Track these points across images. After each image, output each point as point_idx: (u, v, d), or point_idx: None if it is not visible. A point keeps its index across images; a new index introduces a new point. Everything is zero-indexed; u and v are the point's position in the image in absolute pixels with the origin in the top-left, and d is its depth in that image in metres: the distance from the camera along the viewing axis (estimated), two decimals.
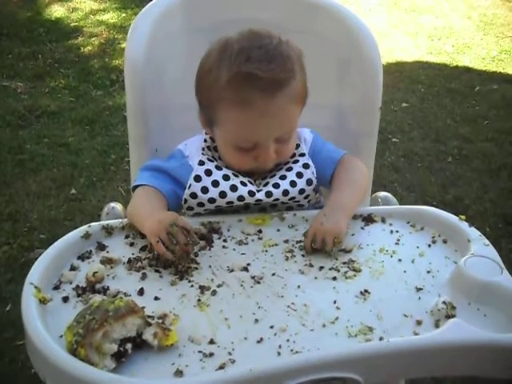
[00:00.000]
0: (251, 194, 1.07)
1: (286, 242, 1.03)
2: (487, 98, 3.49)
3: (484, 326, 0.85)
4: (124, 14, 4.10)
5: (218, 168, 1.09)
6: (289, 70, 1.01)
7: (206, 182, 1.07)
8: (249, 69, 0.98)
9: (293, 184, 1.10)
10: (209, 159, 1.10)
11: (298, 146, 1.14)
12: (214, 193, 1.06)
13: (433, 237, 1.06)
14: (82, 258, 0.96)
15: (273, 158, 1.07)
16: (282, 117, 1.04)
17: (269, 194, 1.08)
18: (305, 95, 1.07)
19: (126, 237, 1.02)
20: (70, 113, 3.07)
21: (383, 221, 1.10)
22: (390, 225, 1.09)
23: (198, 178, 1.07)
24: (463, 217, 1.07)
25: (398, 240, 1.05)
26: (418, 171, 2.81)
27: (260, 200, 1.08)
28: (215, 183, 1.07)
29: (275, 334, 0.83)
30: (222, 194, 1.06)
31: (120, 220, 1.03)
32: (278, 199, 1.08)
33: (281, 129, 1.06)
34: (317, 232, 0.99)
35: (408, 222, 1.09)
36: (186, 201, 1.08)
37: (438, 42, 4.13)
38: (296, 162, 1.12)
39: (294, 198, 1.10)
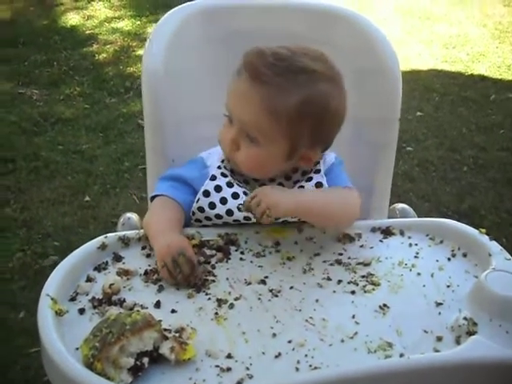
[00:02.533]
0: (248, 218, 1.04)
1: (304, 254, 1.02)
2: (503, 106, 3.45)
3: (506, 344, 0.83)
4: (139, 22, 4.12)
5: (229, 185, 1.07)
6: (283, 79, 0.99)
7: (215, 198, 1.06)
8: (258, 49, 1.01)
9: None
10: (222, 174, 1.09)
11: (317, 163, 1.11)
12: (221, 210, 1.06)
13: (452, 250, 1.05)
14: (98, 269, 0.96)
15: (232, 145, 1.04)
16: (247, 109, 1.01)
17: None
18: (290, 119, 1.00)
19: (143, 248, 1.01)
20: (84, 120, 3.08)
21: (402, 233, 1.08)
22: (409, 238, 1.07)
23: (206, 193, 1.07)
24: (483, 230, 1.06)
25: (417, 253, 1.04)
26: (432, 180, 2.79)
27: None
28: (223, 200, 1.06)
29: (293, 349, 0.82)
30: (229, 213, 1.06)
31: (136, 231, 1.03)
32: (286, 221, 1.07)
33: (243, 119, 1.02)
34: (259, 194, 0.97)
35: (427, 235, 1.08)
36: (193, 213, 1.08)
37: (452, 51, 4.10)
38: (310, 179, 1.10)
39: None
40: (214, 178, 1.08)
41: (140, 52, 3.76)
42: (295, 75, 1.00)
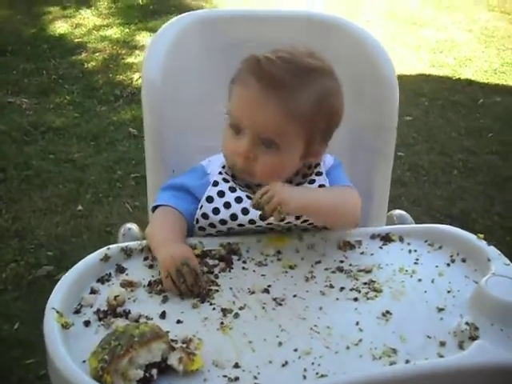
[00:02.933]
0: (263, 218, 1.03)
1: (305, 262, 1.03)
2: (491, 110, 3.50)
3: (508, 348, 0.85)
4: (127, 30, 4.11)
5: (232, 190, 1.08)
6: (294, 80, 1.01)
7: (218, 203, 1.06)
8: (258, 55, 1.02)
9: None
10: (224, 179, 1.10)
11: (317, 165, 1.13)
12: (225, 214, 1.06)
13: (451, 256, 1.06)
14: (101, 280, 0.96)
15: (249, 156, 1.04)
16: (262, 113, 1.02)
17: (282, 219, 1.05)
18: (307, 120, 1.03)
19: (145, 259, 1.01)
20: (75, 129, 3.07)
21: (401, 240, 1.09)
22: (408, 244, 1.09)
23: (210, 199, 1.07)
24: (481, 235, 1.07)
25: (417, 259, 1.05)
26: (423, 185, 2.81)
27: (271, 223, 1.06)
28: (227, 205, 1.06)
29: (299, 357, 0.83)
30: (233, 217, 1.06)
31: (138, 242, 1.03)
32: (290, 222, 1.07)
33: (260, 126, 1.03)
34: (270, 190, 0.98)
35: (426, 241, 1.09)
36: (197, 221, 1.08)
37: (440, 55, 4.15)
38: (312, 181, 1.12)
39: (306, 220, 1.07)
40: (216, 183, 1.09)
41: (129, 60, 3.76)
42: (305, 74, 1.02)
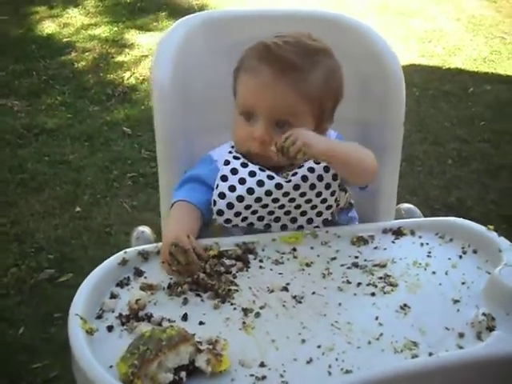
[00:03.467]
0: (278, 186, 1.07)
1: (321, 259, 1.04)
2: (481, 98, 3.52)
3: None
4: (116, 28, 4.08)
5: (244, 165, 1.09)
6: (304, 62, 1.07)
7: (233, 180, 1.07)
8: (266, 41, 1.07)
9: (320, 178, 1.09)
10: (235, 157, 1.11)
11: None
12: (241, 190, 1.06)
13: (463, 247, 1.08)
14: (120, 285, 0.96)
15: (265, 139, 1.07)
16: (278, 97, 1.07)
17: (296, 187, 1.08)
18: (317, 97, 1.08)
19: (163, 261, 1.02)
20: (68, 129, 3.04)
21: (412, 233, 1.11)
22: (420, 237, 1.10)
23: (224, 178, 1.08)
24: (491, 227, 1.09)
25: (430, 252, 1.06)
26: (419, 175, 2.83)
27: (287, 193, 1.07)
28: (242, 181, 1.07)
29: (323, 354, 0.84)
30: (250, 191, 1.06)
31: (155, 244, 1.03)
32: (305, 193, 1.08)
33: (274, 110, 1.07)
34: (295, 132, 1.00)
35: (436, 234, 1.11)
36: (215, 203, 1.08)
37: (429, 45, 4.16)
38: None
39: (320, 193, 1.10)
40: (227, 162, 1.10)
41: (119, 58, 3.74)
42: (312, 56, 1.08)
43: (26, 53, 3.75)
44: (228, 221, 1.09)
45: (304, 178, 1.08)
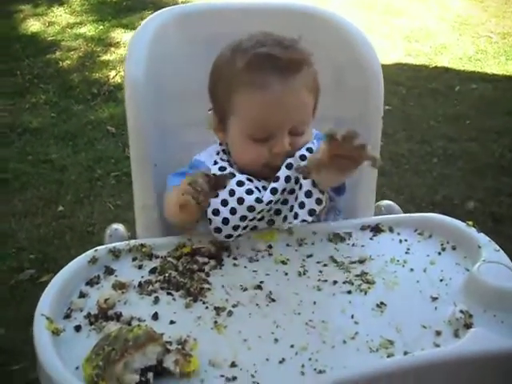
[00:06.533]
0: (274, 191, 1.04)
1: (297, 256, 1.02)
2: (467, 97, 3.52)
3: (503, 333, 0.85)
4: (101, 27, 4.05)
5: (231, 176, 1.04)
6: (304, 55, 1.04)
7: (223, 194, 1.01)
8: (266, 51, 1.01)
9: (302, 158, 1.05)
10: (221, 168, 1.06)
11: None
12: (233, 202, 1.01)
13: (441, 244, 1.06)
14: (90, 283, 0.94)
15: (287, 150, 1.05)
16: (298, 102, 1.04)
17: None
18: (317, 87, 1.09)
19: (134, 259, 0.99)
20: (52, 129, 3.02)
21: (391, 230, 1.09)
22: (398, 234, 1.08)
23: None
24: (471, 222, 1.07)
25: (408, 249, 1.04)
26: (405, 174, 2.82)
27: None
28: (231, 192, 1.02)
29: (296, 353, 0.82)
30: (240, 201, 1.01)
31: (126, 242, 1.01)
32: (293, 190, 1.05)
33: (296, 116, 1.05)
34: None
35: (415, 230, 1.09)
36: (210, 221, 1.02)
37: (415, 44, 4.16)
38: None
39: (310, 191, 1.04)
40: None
41: (105, 57, 3.71)
42: (301, 52, 1.05)
43: (10, 52, 3.72)
44: (229, 236, 1.03)
45: (287, 179, 1.05)
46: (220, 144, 1.12)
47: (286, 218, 1.07)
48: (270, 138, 1.05)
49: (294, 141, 1.06)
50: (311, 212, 1.04)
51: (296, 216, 1.04)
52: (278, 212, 1.07)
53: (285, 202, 1.07)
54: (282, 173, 1.05)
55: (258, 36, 1.05)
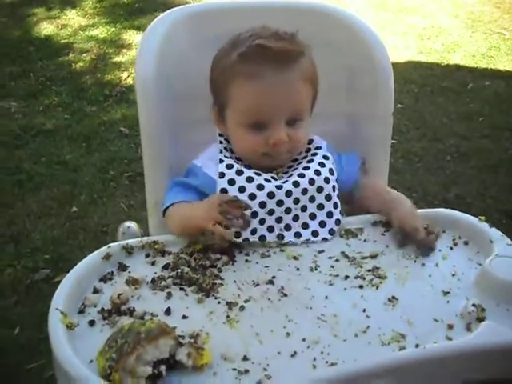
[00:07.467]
0: (279, 187, 1.04)
1: (308, 252, 1.02)
2: (480, 94, 3.50)
3: None
4: (113, 29, 4.08)
5: (239, 173, 1.05)
6: (299, 46, 1.05)
7: (233, 191, 1.03)
8: (260, 42, 1.02)
9: (317, 173, 1.07)
10: (228, 166, 1.06)
11: (311, 141, 1.13)
12: (243, 198, 1.01)
13: (453, 239, 1.06)
14: (104, 279, 0.95)
15: (284, 141, 1.05)
16: (292, 92, 1.05)
17: (296, 184, 1.04)
18: (315, 79, 1.09)
19: (147, 256, 1.00)
20: (65, 130, 3.04)
21: None
22: None
23: (224, 191, 1.04)
24: (483, 218, 1.07)
25: None
26: (417, 171, 2.81)
27: (290, 191, 1.03)
28: (242, 189, 1.03)
29: (308, 347, 0.82)
30: (252, 196, 1.02)
31: (139, 239, 1.02)
32: (306, 189, 1.05)
33: (291, 106, 1.05)
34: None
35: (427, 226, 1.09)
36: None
37: (427, 42, 4.14)
38: (315, 154, 1.12)
39: (321, 187, 1.06)
40: (222, 175, 1.06)
41: (117, 59, 3.73)
42: (298, 42, 1.06)
43: (24, 54, 3.76)
44: (237, 234, 1.01)
45: (301, 175, 1.06)
46: (220, 142, 1.12)
47: (299, 234, 1.06)
48: (266, 128, 1.05)
49: (292, 132, 1.06)
50: (331, 232, 1.07)
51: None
52: (270, 229, 1.05)
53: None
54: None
55: (255, 29, 1.07)
